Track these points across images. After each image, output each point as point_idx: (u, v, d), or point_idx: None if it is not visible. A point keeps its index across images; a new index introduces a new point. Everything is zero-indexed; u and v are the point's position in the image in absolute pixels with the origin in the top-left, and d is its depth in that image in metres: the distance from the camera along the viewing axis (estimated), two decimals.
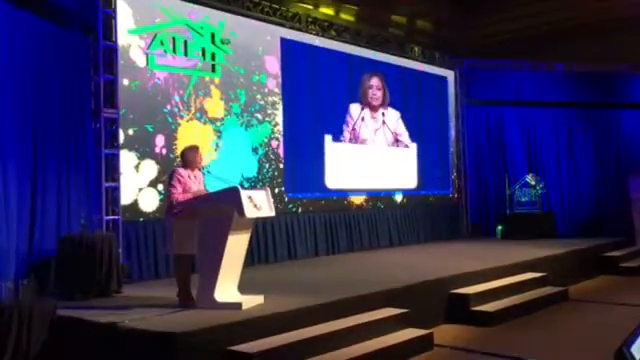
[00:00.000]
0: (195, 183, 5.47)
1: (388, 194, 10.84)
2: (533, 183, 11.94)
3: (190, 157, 5.52)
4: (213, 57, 8.12)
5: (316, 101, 9.54)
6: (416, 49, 11.73)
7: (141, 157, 7.25)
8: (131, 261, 6.97)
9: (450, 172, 12.35)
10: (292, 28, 9.36)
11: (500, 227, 11.84)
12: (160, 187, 7.27)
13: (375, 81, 10.65)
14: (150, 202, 7.28)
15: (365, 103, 10.45)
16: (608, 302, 7.72)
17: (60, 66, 6.39)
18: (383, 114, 10.74)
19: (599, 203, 12.47)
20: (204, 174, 5.81)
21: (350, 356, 4.85)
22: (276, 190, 8.73)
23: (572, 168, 12.58)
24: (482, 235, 12.10)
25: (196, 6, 7.98)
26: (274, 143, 8.87)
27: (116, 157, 6.97)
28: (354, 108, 10.26)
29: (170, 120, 7.58)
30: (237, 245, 5.27)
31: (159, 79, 7.50)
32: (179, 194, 5.30)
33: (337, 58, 10.05)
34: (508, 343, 5.80)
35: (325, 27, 10.00)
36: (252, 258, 7.94)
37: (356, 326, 5.24)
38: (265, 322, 4.83)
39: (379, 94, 10.67)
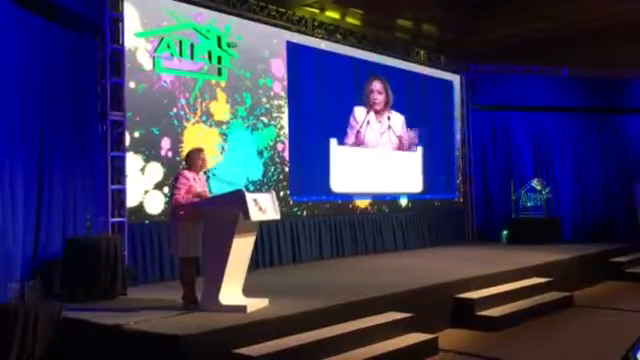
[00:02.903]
0: (199, 185, 5.49)
1: (393, 198, 10.83)
2: (539, 188, 11.91)
3: (193, 159, 5.54)
4: (219, 60, 8.14)
5: (322, 104, 9.55)
6: (422, 53, 11.74)
7: (147, 160, 7.27)
8: (136, 263, 6.98)
9: (455, 176, 12.34)
10: (298, 32, 9.38)
11: (505, 232, 11.81)
12: (166, 190, 7.28)
13: (376, 85, 10.64)
14: (156, 204, 7.29)
15: (369, 107, 10.45)
16: (614, 308, 7.69)
17: (67, 69, 6.42)
18: (389, 118, 10.74)
19: (605, 208, 12.43)
20: (208, 177, 5.82)
21: None
22: (281, 193, 8.74)
23: (578, 173, 12.55)
24: (487, 240, 12.07)
25: (203, 10, 8.00)
26: (279, 146, 8.89)
27: (122, 159, 6.99)
28: (359, 111, 10.26)
29: (176, 123, 7.60)
30: (242, 248, 5.28)
31: (165, 82, 7.53)
32: (181, 197, 5.32)
33: (343, 62, 10.06)
34: (513, 348, 5.79)
35: (331, 31, 10.02)
36: (257, 261, 7.95)
37: (360, 330, 5.23)
38: (270, 325, 4.83)
39: (380, 98, 10.66)
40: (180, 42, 7.69)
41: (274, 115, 8.84)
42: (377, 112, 10.57)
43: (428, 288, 6.53)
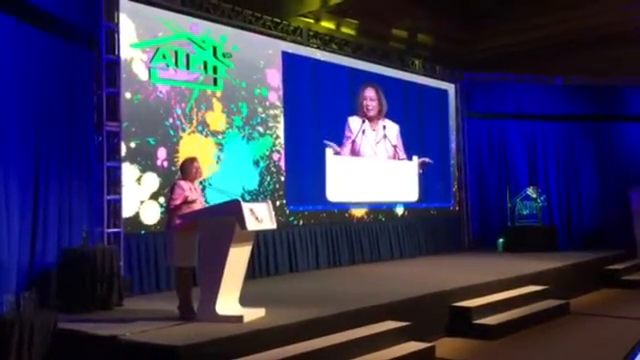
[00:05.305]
0: (195, 195, 5.49)
1: (389, 207, 10.84)
2: (534, 196, 11.93)
3: (187, 169, 5.56)
4: (215, 70, 8.16)
5: (317, 114, 9.57)
6: (417, 62, 11.78)
7: (143, 170, 7.27)
8: (132, 274, 6.96)
9: (451, 185, 12.36)
10: (293, 42, 9.41)
11: (501, 240, 11.81)
12: (162, 200, 7.28)
13: (369, 92, 10.63)
14: (152, 215, 7.28)
15: (364, 115, 10.47)
16: (610, 315, 7.71)
17: (63, 80, 6.42)
18: (384, 127, 10.77)
19: (601, 216, 12.47)
20: (204, 187, 5.82)
21: None
22: (277, 203, 8.74)
23: (573, 180, 12.59)
24: (483, 248, 12.08)
25: (198, 20, 8.03)
26: (275, 156, 8.90)
27: (118, 170, 6.99)
28: (355, 121, 10.29)
29: (172, 133, 7.61)
30: (238, 258, 5.28)
31: (161, 92, 7.54)
32: (177, 207, 5.32)
33: (338, 71, 10.09)
34: (510, 357, 5.79)
35: (326, 41, 10.06)
36: (253, 271, 7.93)
37: (357, 339, 5.23)
38: (266, 335, 4.82)
39: (373, 104, 10.66)
40: (176, 52, 7.72)
41: (270, 125, 8.86)
42: (371, 120, 10.58)
43: (425, 297, 6.53)
